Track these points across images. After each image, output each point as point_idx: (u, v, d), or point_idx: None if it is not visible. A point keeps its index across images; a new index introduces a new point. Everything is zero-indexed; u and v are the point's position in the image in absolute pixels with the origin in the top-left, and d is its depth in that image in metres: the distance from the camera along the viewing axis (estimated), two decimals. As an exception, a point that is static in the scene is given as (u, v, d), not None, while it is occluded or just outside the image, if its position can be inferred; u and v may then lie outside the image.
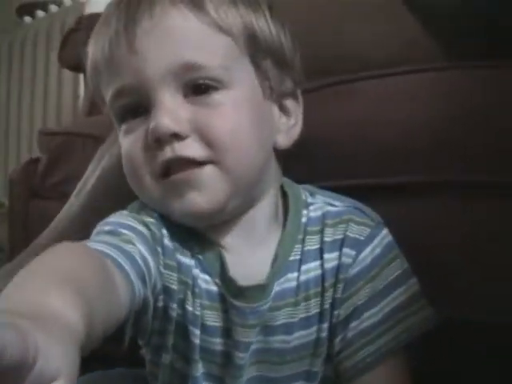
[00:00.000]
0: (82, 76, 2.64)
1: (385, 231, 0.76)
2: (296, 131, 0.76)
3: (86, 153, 1.55)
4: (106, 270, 0.59)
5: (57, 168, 1.71)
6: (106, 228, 0.70)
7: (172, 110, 0.67)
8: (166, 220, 0.72)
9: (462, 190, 0.87)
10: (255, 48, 0.72)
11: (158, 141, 0.66)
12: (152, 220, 0.71)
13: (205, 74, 0.67)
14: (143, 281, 0.66)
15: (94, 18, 2.17)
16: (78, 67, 2.22)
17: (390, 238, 0.76)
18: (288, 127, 0.76)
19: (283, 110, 0.76)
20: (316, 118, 0.91)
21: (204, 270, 0.73)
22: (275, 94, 0.74)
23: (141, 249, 0.67)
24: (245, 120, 0.69)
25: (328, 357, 0.75)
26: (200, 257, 0.73)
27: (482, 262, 0.85)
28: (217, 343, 0.74)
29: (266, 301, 0.73)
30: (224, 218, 0.71)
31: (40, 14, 3.17)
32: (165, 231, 0.72)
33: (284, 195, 0.78)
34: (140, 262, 0.66)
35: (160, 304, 0.72)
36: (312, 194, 0.79)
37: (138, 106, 0.69)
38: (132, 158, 0.70)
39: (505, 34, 0.93)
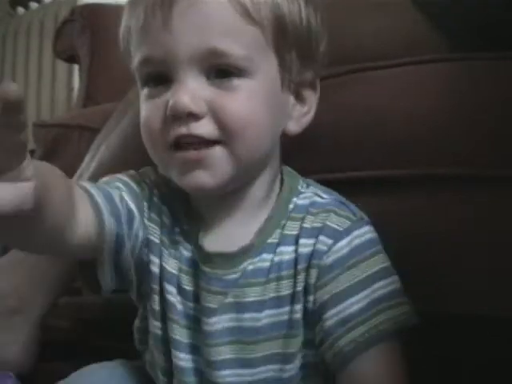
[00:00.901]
0: (76, 67, 2.63)
1: (367, 228, 0.77)
2: (308, 119, 0.79)
3: (81, 145, 1.54)
4: (77, 195, 0.69)
5: (52, 160, 1.69)
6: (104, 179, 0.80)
7: (192, 90, 0.70)
8: (163, 186, 0.80)
9: (466, 183, 0.87)
10: (282, 40, 0.74)
11: (176, 116, 0.70)
12: (146, 181, 0.80)
13: (229, 61, 0.70)
14: (118, 220, 0.74)
15: (88, 8, 2.18)
16: (72, 58, 2.22)
17: (372, 235, 0.77)
18: (300, 115, 0.79)
19: (299, 98, 0.79)
20: (323, 108, 0.91)
21: (185, 238, 0.79)
22: (293, 85, 0.77)
23: (125, 197, 0.76)
24: (258, 109, 0.72)
25: (309, 343, 0.77)
26: (184, 226, 0.80)
27: (483, 256, 0.86)
28: (191, 307, 0.79)
29: (233, 271, 0.77)
30: (220, 194, 0.76)
31: (33, 5, 3.15)
32: (156, 192, 0.80)
33: (282, 182, 0.81)
34: (118, 203, 0.75)
35: (144, 258, 0.79)
36: (308, 186, 0.81)
37: (161, 76, 0.73)
38: (150, 124, 0.74)
39: (498, 29, 0.92)
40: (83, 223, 0.68)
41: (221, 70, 0.71)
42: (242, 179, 0.76)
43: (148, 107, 0.74)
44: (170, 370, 0.81)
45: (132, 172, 0.82)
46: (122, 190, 0.77)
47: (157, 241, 0.79)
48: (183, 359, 0.79)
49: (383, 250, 0.77)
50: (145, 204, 0.79)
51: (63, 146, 1.67)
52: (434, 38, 1.01)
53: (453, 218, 0.88)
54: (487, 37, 0.93)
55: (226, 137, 0.71)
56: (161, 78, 0.73)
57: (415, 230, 0.90)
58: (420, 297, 0.88)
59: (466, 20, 0.96)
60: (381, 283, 0.75)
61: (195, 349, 0.79)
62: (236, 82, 0.71)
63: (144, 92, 0.75)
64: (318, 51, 0.79)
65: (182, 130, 0.71)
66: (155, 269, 0.79)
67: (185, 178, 0.73)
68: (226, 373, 0.77)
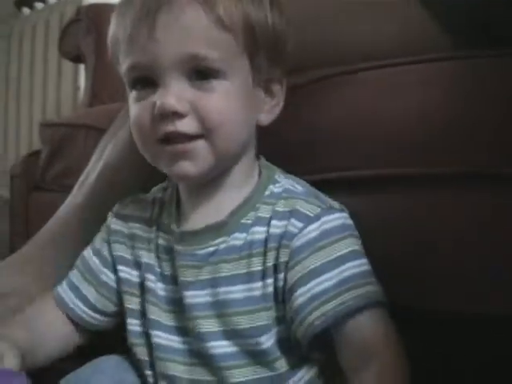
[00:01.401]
0: (82, 67, 2.63)
1: (337, 215, 0.83)
2: (277, 110, 0.88)
3: (88, 144, 1.55)
4: (60, 319, 0.95)
5: (58, 160, 1.70)
6: (79, 261, 0.98)
7: (176, 92, 0.79)
8: (133, 207, 0.96)
9: (470, 181, 0.87)
10: (252, 44, 0.83)
11: (163, 115, 0.79)
12: (108, 220, 0.97)
13: (207, 63, 0.79)
14: (98, 306, 0.94)
15: (93, 8, 2.18)
16: (78, 58, 2.22)
17: (343, 221, 0.83)
18: (271, 107, 0.88)
19: (268, 92, 0.87)
20: (320, 109, 0.92)
21: (163, 230, 0.91)
22: (263, 81, 0.86)
23: (88, 261, 0.96)
24: (234, 106, 0.81)
25: (280, 318, 0.83)
26: (164, 221, 0.91)
27: (478, 254, 0.86)
28: (172, 290, 0.88)
29: (204, 246, 0.85)
30: (201, 181, 0.85)
31: (39, 5, 3.16)
32: (116, 220, 0.96)
33: (260, 173, 0.89)
34: (88, 293, 0.94)
35: (121, 274, 0.93)
36: (286, 177, 0.89)
37: (147, 79, 0.81)
38: (139, 124, 0.82)
39: (502, 27, 0.93)
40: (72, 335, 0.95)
41: (200, 72, 0.80)
42: (221, 167, 0.84)
43: (137, 108, 0.83)
44: (153, 362, 0.89)
45: (102, 227, 0.98)
46: (93, 269, 0.95)
47: (124, 254, 0.93)
48: (167, 338, 0.87)
49: (355, 236, 0.83)
50: (103, 243, 0.96)
51: (69, 145, 1.67)
52: (436, 36, 1.01)
53: (455, 216, 0.88)
54: (491, 34, 0.94)
55: (206, 131, 0.80)
56: (147, 81, 0.81)
57: (414, 229, 0.91)
58: (422, 294, 0.89)
59: (471, 17, 0.97)
60: (349, 264, 0.80)
61: (180, 330, 0.87)
62: (213, 83, 0.80)
63: (132, 95, 0.84)
64: (285, 51, 0.87)
65: (169, 127, 0.79)
66: (125, 275, 0.92)
67: (172, 168, 0.82)
68: (216, 344, 0.84)
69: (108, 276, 0.94)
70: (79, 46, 2.14)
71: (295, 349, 0.82)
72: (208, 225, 0.86)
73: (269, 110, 0.88)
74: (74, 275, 0.96)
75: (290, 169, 0.90)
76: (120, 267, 0.93)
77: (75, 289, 0.94)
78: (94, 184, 1.21)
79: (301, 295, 0.79)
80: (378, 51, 0.99)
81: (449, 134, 0.89)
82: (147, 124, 0.81)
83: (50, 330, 0.92)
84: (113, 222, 0.96)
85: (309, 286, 0.79)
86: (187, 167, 0.81)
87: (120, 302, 0.93)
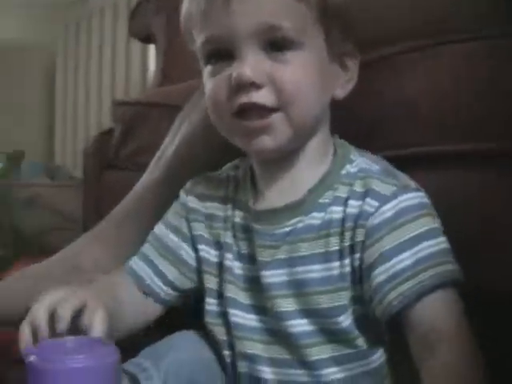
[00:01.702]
0: (151, 48, 2.64)
1: (413, 194, 0.81)
2: (351, 85, 0.88)
3: (160, 122, 1.55)
4: (135, 293, 0.94)
5: (131, 138, 1.71)
6: (151, 237, 0.98)
7: (253, 63, 0.79)
8: (206, 186, 0.95)
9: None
10: (326, 15, 0.82)
11: (240, 87, 0.79)
12: (183, 198, 0.96)
13: (283, 34, 0.79)
14: (176, 284, 0.94)
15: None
16: (147, 38, 2.23)
17: (421, 200, 0.82)
18: (345, 81, 0.87)
19: (342, 66, 0.87)
20: (392, 85, 0.91)
21: (239, 208, 0.90)
22: (337, 54, 0.85)
23: (165, 239, 0.95)
24: (310, 78, 0.81)
25: (357, 298, 0.82)
26: (240, 199, 0.91)
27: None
28: (249, 269, 0.88)
29: (282, 226, 0.85)
30: (278, 155, 0.85)
31: (106, -13, 3.18)
32: (192, 198, 0.95)
33: (335, 153, 0.88)
34: (166, 270, 0.94)
35: (201, 254, 0.92)
36: (361, 155, 0.88)
37: (223, 52, 0.81)
38: (215, 96, 0.82)
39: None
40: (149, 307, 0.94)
41: (276, 44, 0.79)
42: (298, 141, 0.84)
43: (212, 82, 0.83)
44: (231, 341, 0.89)
45: (174, 204, 0.98)
46: (169, 244, 0.95)
47: (203, 233, 0.93)
48: (244, 317, 0.88)
49: (432, 214, 0.81)
50: (182, 220, 0.95)
51: (142, 123, 1.68)
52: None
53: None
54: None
55: (283, 104, 0.80)
56: (222, 54, 0.81)
57: (493, 206, 0.91)
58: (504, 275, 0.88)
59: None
60: (426, 243, 0.78)
61: (258, 309, 0.88)
62: (289, 54, 0.80)
63: (207, 69, 0.84)
64: (355, 24, 0.87)
65: (244, 98, 0.79)
66: (204, 254, 0.92)
67: (250, 142, 0.82)
68: (293, 322, 0.84)
69: (188, 254, 0.94)
70: (149, 26, 2.15)
71: (372, 328, 0.83)
72: (287, 204, 0.85)
73: (343, 85, 0.87)
74: (149, 250, 0.96)
75: (363, 145, 0.89)
76: (200, 246, 0.93)
77: (152, 265, 0.94)
78: (170, 160, 1.22)
79: (379, 274, 0.79)
80: (450, 26, 0.97)
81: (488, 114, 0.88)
82: (223, 97, 0.81)
83: (128, 301, 0.91)
84: (189, 201, 0.96)
85: (387, 265, 0.78)
86: (265, 141, 0.81)
87: (199, 281, 0.94)
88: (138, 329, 0.93)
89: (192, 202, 0.95)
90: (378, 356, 0.83)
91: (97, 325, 0.76)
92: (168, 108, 1.54)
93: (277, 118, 0.80)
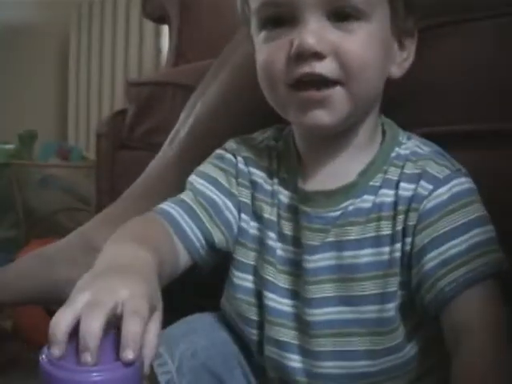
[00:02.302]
0: (163, 29, 2.63)
1: (465, 179, 0.80)
2: (407, 64, 0.84)
3: (175, 102, 1.55)
4: (168, 235, 0.82)
5: (146, 118, 1.71)
6: (189, 185, 0.89)
7: (316, 31, 0.74)
8: (247, 151, 0.89)
9: None
10: None
11: (301, 55, 0.74)
12: (229, 157, 0.89)
13: (350, 3, 0.74)
14: (217, 244, 0.86)
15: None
16: (161, 19, 2.22)
17: (471, 185, 0.80)
18: (402, 60, 0.83)
19: (401, 44, 0.83)
20: (424, 60, 0.89)
21: (284, 186, 0.86)
22: (398, 32, 0.81)
23: (210, 195, 0.87)
24: (374, 51, 0.77)
25: (404, 284, 0.80)
26: (283, 175, 0.86)
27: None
28: (291, 251, 0.84)
29: (333, 209, 0.82)
30: (333, 133, 0.80)
31: (120, -33, 3.17)
32: (241, 159, 0.89)
33: (383, 133, 0.85)
34: (210, 226, 0.86)
35: (242, 224, 0.87)
36: (409, 138, 0.85)
37: (282, 18, 0.76)
38: (272, 64, 0.77)
39: None
40: (179, 251, 0.84)
41: (341, 13, 0.75)
42: (355, 118, 0.80)
43: (269, 49, 0.78)
44: (261, 323, 0.86)
45: (214, 161, 0.90)
46: (206, 192, 0.87)
47: (248, 202, 0.88)
48: (280, 302, 0.84)
49: (481, 201, 0.79)
50: (232, 178, 0.88)
51: (157, 103, 1.68)
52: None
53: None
54: None
55: (346, 76, 0.75)
56: (280, 20, 0.76)
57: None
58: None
59: None
60: (478, 230, 0.77)
61: (292, 293, 0.84)
62: (355, 24, 0.75)
63: (262, 35, 0.79)
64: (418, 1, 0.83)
65: (306, 68, 0.74)
66: (244, 225, 0.87)
67: (304, 116, 0.77)
68: (323, 310, 0.82)
69: (235, 219, 0.88)
70: (163, 6, 2.14)
71: (412, 318, 0.81)
72: (339, 186, 0.82)
73: (400, 64, 0.83)
74: (191, 201, 0.87)
75: (395, 121, 0.87)
76: (242, 215, 0.88)
77: (194, 216, 0.86)
78: (184, 139, 1.21)
79: (431, 259, 0.76)
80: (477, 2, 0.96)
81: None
82: (280, 65, 0.76)
83: (167, 251, 0.80)
84: (239, 162, 0.89)
85: (440, 249, 0.76)
86: (322, 116, 0.76)
87: (233, 250, 0.88)
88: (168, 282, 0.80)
89: (241, 163, 0.89)
90: (409, 349, 0.81)
91: (151, 344, 0.60)
92: (182, 88, 1.54)
93: (337, 92, 0.76)
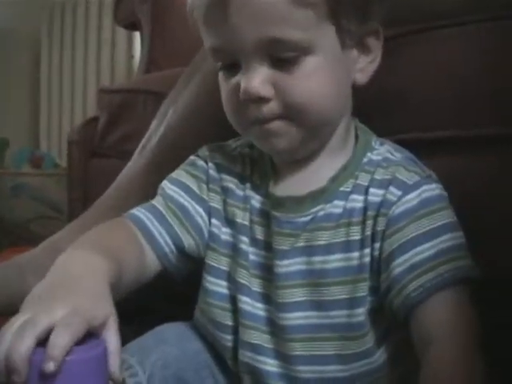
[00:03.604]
0: (135, 35, 2.63)
1: (435, 185, 0.80)
2: (373, 67, 0.82)
3: (146, 110, 1.55)
4: (135, 240, 0.83)
5: (117, 125, 1.71)
6: (160, 191, 0.89)
7: (259, 76, 0.76)
8: (220, 157, 0.90)
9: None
10: (337, 8, 0.76)
11: (248, 100, 0.76)
12: (201, 163, 0.90)
13: (288, 46, 0.74)
14: (186, 250, 0.86)
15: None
16: (133, 25, 2.22)
17: (441, 191, 0.80)
18: (366, 64, 0.82)
19: (363, 48, 0.81)
20: (393, 68, 0.90)
21: (256, 191, 0.86)
22: (355, 39, 0.79)
23: (180, 200, 0.87)
24: (323, 82, 0.77)
25: (373, 289, 0.80)
26: (256, 181, 0.87)
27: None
28: (263, 256, 0.84)
29: (303, 214, 0.82)
30: (297, 155, 0.82)
31: (92, -27, 3.16)
32: (213, 165, 0.89)
33: (356, 138, 0.86)
34: (172, 220, 0.86)
35: (213, 229, 0.87)
36: (382, 144, 0.85)
37: (230, 62, 0.78)
38: (228, 106, 0.81)
39: None
40: (148, 257, 0.84)
41: (282, 55, 0.75)
42: (317, 140, 0.81)
43: (224, 89, 0.81)
44: (236, 328, 0.85)
45: (186, 167, 0.91)
46: (178, 198, 0.88)
47: (219, 207, 0.87)
48: (254, 306, 0.84)
49: (451, 208, 0.79)
50: (203, 184, 0.89)
51: (128, 111, 1.67)
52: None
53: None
54: None
55: (290, 113, 0.77)
56: (230, 63, 0.78)
57: (499, 192, 0.90)
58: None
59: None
60: (447, 236, 0.77)
61: (265, 297, 0.84)
62: (298, 62, 0.75)
63: (220, 73, 0.82)
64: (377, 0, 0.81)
65: (255, 112, 0.77)
66: (215, 230, 0.87)
67: (263, 143, 0.81)
68: (295, 315, 0.81)
69: (206, 224, 0.88)
70: (135, 13, 2.13)
71: (382, 323, 0.81)
72: (309, 192, 0.82)
73: (363, 68, 0.82)
74: (161, 206, 0.87)
75: (369, 128, 0.88)
76: (213, 220, 0.88)
77: (164, 221, 0.86)
78: (156, 147, 1.21)
79: (399, 264, 0.76)
80: (452, 8, 0.96)
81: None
82: (235, 107, 0.79)
83: (132, 259, 0.81)
84: (210, 168, 0.90)
85: (408, 255, 0.76)
86: (278, 143, 0.79)
87: (204, 255, 0.88)
88: (135, 288, 0.82)
89: (212, 169, 0.89)
90: (380, 354, 0.81)
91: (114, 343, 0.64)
92: (154, 95, 1.54)
93: (288, 126, 0.78)
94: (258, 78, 0.75)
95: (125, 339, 0.85)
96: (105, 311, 0.65)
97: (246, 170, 0.88)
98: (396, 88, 0.96)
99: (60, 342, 0.58)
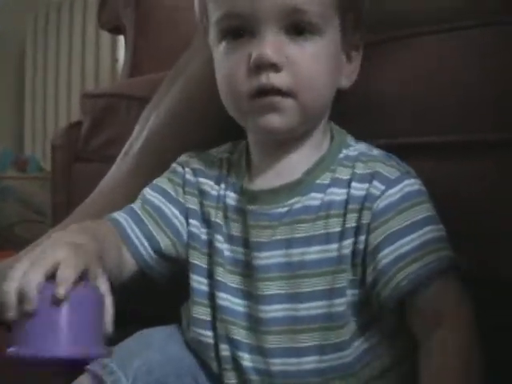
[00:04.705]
0: (120, 39, 2.62)
1: (415, 180, 0.83)
2: (354, 76, 0.88)
3: (130, 114, 1.54)
4: (116, 239, 0.87)
5: (100, 130, 1.70)
6: (140, 196, 0.93)
7: (274, 44, 0.78)
8: (201, 162, 0.93)
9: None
10: (345, 4, 0.83)
11: (259, 67, 0.78)
12: (179, 169, 0.93)
13: (307, 18, 0.79)
14: (165, 252, 0.90)
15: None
16: (117, 29, 2.21)
17: (421, 187, 0.83)
18: (350, 72, 0.88)
19: (348, 57, 0.87)
20: (378, 73, 0.91)
21: (232, 190, 0.89)
22: (347, 45, 0.86)
23: (157, 203, 0.91)
24: (325, 64, 0.82)
25: (355, 282, 0.82)
26: (232, 180, 0.89)
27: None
28: (240, 252, 0.87)
29: (279, 206, 0.84)
30: (285, 138, 0.84)
31: (76, -24, 3.15)
32: (189, 170, 0.92)
33: (332, 138, 0.89)
34: (157, 235, 0.89)
35: (192, 229, 0.90)
36: (357, 142, 0.89)
37: (241, 29, 0.81)
38: (233, 77, 0.82)
39: None
40: (126, 257, 0.88)
41: (298, 27, 0.79)
42: (306, 126, 0.84)
43: (229, 61, 0.82)
44: (214, 323, 0.87)
45: (165, 174, 0.95)
46: (157, 203, 0.91)
47: (196, 208, 0.90)
48: (232, 302, 0.86)
49: (430, 202, 0.82)
50: (179, 187, 0.92)
51: (112, 115, 1.67)
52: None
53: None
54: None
55: (297, 88, 0.79)
56: (240, 31, 0.81)
57: (483, 197, 0.91)
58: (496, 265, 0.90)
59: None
60: (429, 228, 0.80)
61: (244, 293, 0.86)
62: (309, 39, 0.80)
63: (222, 46, 0.83)
64: (364, 14, 0.87)
65: (263, 79, 0.79)
66: (195, 230, 0.90)
67: (260, 120, 0.81)
68: (274, 307, 0.83)
69: (183, 225, 0.91)
70: (118, 17, 2.13)
71: (362, 316, 0.82)
72: (283, 184, 0.85)
73: (348, 75, 0.88)
74: (139, 210, 0.91)
75: (352, 132, 0.90)
76: (191, 221, 0.90)
77: (142, 224, 0.90)
78: (138, 153, 1.21)
79: (386, 256, 0.79)
80: (440, 14, 0.97)
81: (503, 102, 0.88)
82: (241, 76, 0.80)
83: (112, 248, 0.85)
84: (187, 173, 0.93)
85: (394, 246, 0.79)
86: (274, 120, 0.81)
87: (185, 255, 0.91)
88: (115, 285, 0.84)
89: (188, 173, 0.92)
90: (358, 345, 0.82)
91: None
92: (137, 100, 1.53)
93: (289, 103, 0.80)
94: (274, 45, 0.78)
95: (115, 344, 0.87)
96: (98, 262, 0.76)
97: (223, 172, 0.91)
98: (379, 92, 0.98)
99: (66, 274, 0.69)
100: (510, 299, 0.88)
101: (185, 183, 0.92)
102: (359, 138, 0.89)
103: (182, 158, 0.95)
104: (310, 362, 0.82)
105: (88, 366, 0.83)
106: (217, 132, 0.92)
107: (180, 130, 1.13)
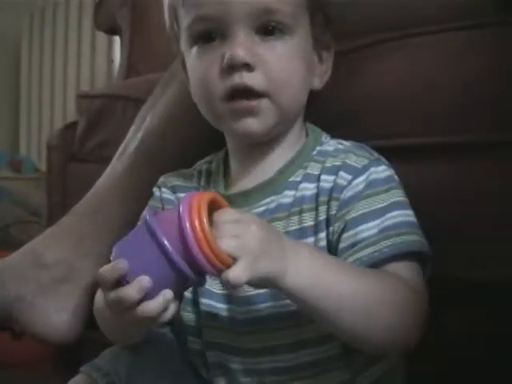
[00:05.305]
0: (116, 40, 2.62)
1: (384, 167, 0.83)
2: (327, 76, 0.89)
3: (126, 115, 1.54)
4: None
5: (96, 131, 1.70)
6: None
7: (246, 45, 0.79)
8: (179, 179, 0.94)
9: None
10: (314, 4, 0.85)
11: (232, 67, 0.79)
12: (157, 194, 0.94)
13: (278, 18, 0.81)
14: None
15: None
16: (112, 30, 2.21)
17: (390, 173, 0.83)
18: (322, 73, 0.89)
19: (320, 58, 0.89)
20: (370, 75, 0.91)
21: None
22: (318, 45, 0.87)
23: None
24: (297, 64, 0.83)
25: None
26: (210, 189, 0.90)
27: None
28: None
29: (256, 206, 0.85)
30: (263, 139, 0.85)
31: (72, -23, 3.15)
32: (166, 190, 0.93)
33: (306, 137, 0.90)
34: None
35: None
36: (331, 138, 0.90)
37: (213, 32, 0.82)
38: (206, 79, 0.82)
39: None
40: None
41: (269, 27, 0.81)
42: (283, 126, 0.85)
43: (202, 64, 0.83)
44: (199, 329, 0.88)
45: (149, 203, 0.95)
46: None
47: None
48: (215, 307, 0.86)
49: (401, 187, 0.83)
50: (160, 205, 0.93)
51: (107, 116, 1.67)
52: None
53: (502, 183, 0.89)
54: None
55: (271, 88, 0.80)
56: (211, 35, 0.82)
57: (462, 197, 0.92)
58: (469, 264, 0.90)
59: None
60: (392, 214, 0.80)
61: (227, 297, 0.86)
62: (280, 39, 0.81)
63: (193, 50, 0.84)
64: (333, 16, 0.89)
65: (236, 79, 0.80)
66: None
67: (236, 124, 0.82)
68: (258, 307, 0.83)
69: None
70: (114, 18, 2.13)
71: None
72: (255, 185, 0.86)
73: (320, 76, 0.89)
74: None
75: (337, 134, 0.90)
76: None
77: None
78: (133, 154, 1.21)
79: (342, 241, 0.80)
80: (429, 16, 0.98)
81: (500, 102, 0.88)
82: (214, 78, 0.81)
83: None
84: (164, 192, 0.94)
85: (350, 232, 0.80)
86: (252, 124, 0.82)
87: None
88: None
89: (165, 193, 0.94)
90: (332, 343, 0.82)
91: None
92: (133, 101, 1.53)
93: (264, 103, 0.81)
94: (245, 46, 0.79)
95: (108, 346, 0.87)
96: None
97: (201, 182, 0.93)
98: (373, 93, 0.98)
99: None
100: (510, 299, 0.89)
101: (164, 203, 0.93)
102: (357, 139, 0.88)
103: (160, 179, 0.96)
104: (295, 358, 0.83)
105: (81, 368, 0.84)
106: (211, 134, 0.91)
107: (175, 131, 1.13)
